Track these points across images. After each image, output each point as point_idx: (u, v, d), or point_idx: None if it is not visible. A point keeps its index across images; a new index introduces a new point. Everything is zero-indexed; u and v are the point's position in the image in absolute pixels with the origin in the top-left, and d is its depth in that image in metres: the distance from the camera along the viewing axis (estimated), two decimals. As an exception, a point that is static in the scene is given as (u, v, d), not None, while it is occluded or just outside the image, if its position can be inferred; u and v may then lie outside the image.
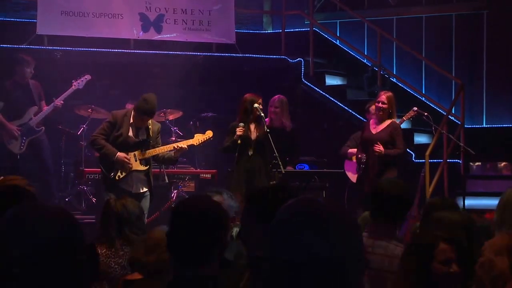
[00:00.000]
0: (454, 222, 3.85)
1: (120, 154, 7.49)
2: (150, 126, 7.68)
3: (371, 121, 8.74)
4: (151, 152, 7.64)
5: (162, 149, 7.71)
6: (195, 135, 8.12)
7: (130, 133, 7.59)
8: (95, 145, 7.63)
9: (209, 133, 8.06)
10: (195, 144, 7.95)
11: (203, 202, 2.94)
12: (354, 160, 8.96)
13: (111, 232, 4.72)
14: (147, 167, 7.68)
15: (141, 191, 7.61)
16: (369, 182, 8.20)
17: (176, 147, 7.70)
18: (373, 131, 8.58)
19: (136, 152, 7.61)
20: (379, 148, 8.35)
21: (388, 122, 8.58)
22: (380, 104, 8.59)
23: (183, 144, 7.79)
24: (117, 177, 7.54)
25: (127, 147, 7.57)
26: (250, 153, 8.19)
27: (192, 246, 2.78)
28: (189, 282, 2.77)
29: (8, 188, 3.45)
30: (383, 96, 8.64)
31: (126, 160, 7.49)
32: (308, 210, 1.67)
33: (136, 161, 7.59)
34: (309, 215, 1.65)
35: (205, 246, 2.79)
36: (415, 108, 9.33)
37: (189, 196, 3.37)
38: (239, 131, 8.07)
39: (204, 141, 8.00)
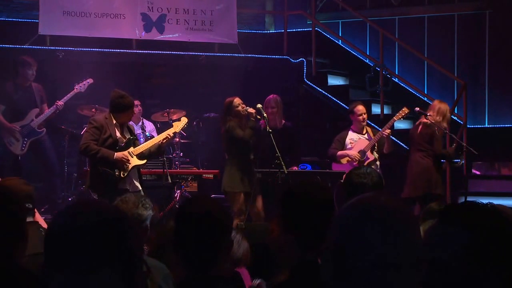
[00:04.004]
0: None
1: (118, 154, 7.52)
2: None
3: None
4: (143, 147, 7.72)
5: (153, 142, 7.79)
6: (173, 124, 8.22)
7: (117, 134, 7.61)
8: (89, 152, 7.52)
9: (184, 120, 8.20)
10: (177, 131, 8.05)
11: (207, 203, 2.93)
12: (345, 162, 9.01)
13: None
14: (145, 161, 7.77)
15: (137, 189, 7.62)
16: None
17: (167, 136, 7.80)
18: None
19: (130, 150, 7.64)
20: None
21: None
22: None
23: (169, 132, 7.86)
24: (122, 175, 7.55)
25: (118, 148, 7.60)
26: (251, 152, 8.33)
27: (199, 247, 2.78)
28: (197, 283, 2.77)
29: None
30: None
31: (125, 158, 7.53)
32: (370, 208, 1.67)
33: (133, 157, 7.63)
34: (372, 214, 1.65)
35: (212, 247, 2.79)
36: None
37: (193, 197, 3.33)
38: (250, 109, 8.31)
39: (183, 127, 8.14)
